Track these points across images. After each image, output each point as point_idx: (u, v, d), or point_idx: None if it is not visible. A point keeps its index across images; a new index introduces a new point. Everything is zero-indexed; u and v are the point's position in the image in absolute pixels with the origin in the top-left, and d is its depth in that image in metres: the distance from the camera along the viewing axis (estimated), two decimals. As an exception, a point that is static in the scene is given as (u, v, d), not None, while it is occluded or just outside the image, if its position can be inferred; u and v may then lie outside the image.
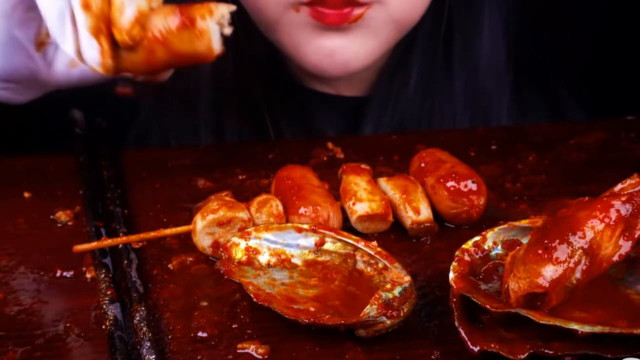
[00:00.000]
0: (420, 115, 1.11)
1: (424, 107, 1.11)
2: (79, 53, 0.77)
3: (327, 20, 0.96)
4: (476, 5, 1.10)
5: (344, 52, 0.99)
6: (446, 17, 1.09)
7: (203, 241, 0.76)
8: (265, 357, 0.66)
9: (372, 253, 0.73)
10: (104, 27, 0.76)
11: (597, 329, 0.62)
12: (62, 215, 0.84)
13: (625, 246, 0.66)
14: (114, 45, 0.77)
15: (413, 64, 1.10)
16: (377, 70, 1.11)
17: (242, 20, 1.05)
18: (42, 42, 0.82)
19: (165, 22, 0.78)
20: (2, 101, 0.87)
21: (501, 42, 1.12)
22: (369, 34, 0.99)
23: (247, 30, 1.05)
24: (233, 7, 0.80)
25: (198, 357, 0.66)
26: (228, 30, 0.80)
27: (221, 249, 0.74)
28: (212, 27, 0.78)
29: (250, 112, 1.10)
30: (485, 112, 1.13)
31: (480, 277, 0.70)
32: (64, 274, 0.76)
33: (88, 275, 0.75)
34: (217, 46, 0.79)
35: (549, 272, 0.64)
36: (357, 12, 0.96)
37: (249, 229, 0.74)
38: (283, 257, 0.74)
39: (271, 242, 0.74)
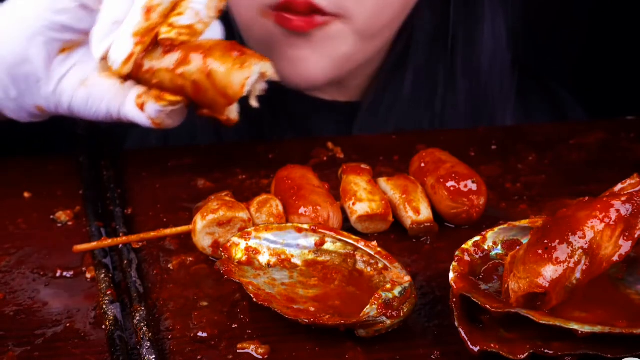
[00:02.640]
0: (420, 120, 1.10)
1: (422, 112, 1.11)
2: (103, 59, 0.78)
3: (291, 25, 0.96)
4: (477, 8, 1.09)
5: (307, 62, 0.99)
6: (448, 21, 1.09)
7: (203, 241, 0.76)
8: (265, 357, 0.66)
9: (372, 253, 0.73)
10: (148, 37, 0.77)
11: (597, 329, 0.62)
12: (62, 215, 0.84)
13: (625, 246, 0.66)
14: (148, 49, 0.78)
15: (408, 69, 1.09)
16: (370, 76, 1.10)
17: (230, 24, 1.05)
18: (67, 48, 0.82)
19: (217, 41, 0.79)
20: None
21: (505, 46, 1.11)
22: (333, 45, 0.99)
23: (236, 36, 1.05)
24: (275, 76, 0.80)
25: (198, 357, 0.66)
26: (260, 88, 0.80)
27: (221, 249, 0.74)
28: (255, 69, 0.78)
29: (246, 118, 1.09)
30: (488, 116, 1.13)
31: (480, 277, 0.70)
32: (64, 274, 0.76)
33: (88, 275, 0.75)
34: (246, 90, 0.78)
35: (549, 272, 0.64)
36: (321, 19, 0.96)
37: (249, 229, 0.74)
38: (283, 257, 0.74)
39: (271, 242, 0.74)
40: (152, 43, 0.78)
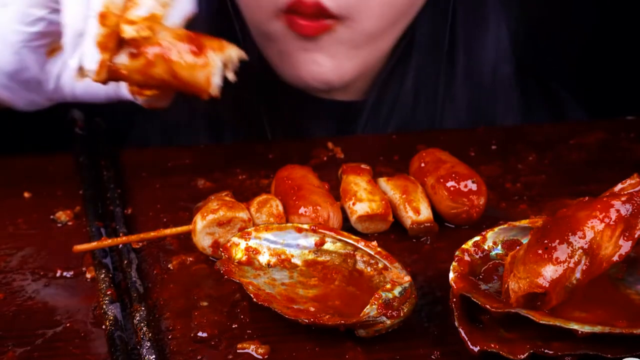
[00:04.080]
0: (421, 120, 1.10)
1: (423, 112, 1.11)
2: (80, 68, 0.78)
3: (302, 32, 0.97)
4: (480, 11, 1.09)
5: (321, 66, 1.00)
6: (450, 23, 1.09)
7: (203, 241, 0.76)
8: (265, 357, 0.66)
9: (372, 253, 0.73)
10: (111, 42, 0.76)
11: (597, 329, 0.62)
12: (62, 215, 0.84)
13: (625, 246, 0.66)
14: (116, 50, 0.77)
15: (409, 69, 1.09)
16: (372, 77, 1.11)
17: (239, 24, 1.05)
18: (55, 49, 0.83)
19: (174, 39, 0.77)
20: (2, 103, 0.87)
21: (507, 47, 1.11)
22: (341, 48, 0.99)
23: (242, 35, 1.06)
24: (244, 55, 0.79)
25: (198, 357, 0.66)
26: (231, 76, 0.79)
27: (221, 249, 0.74)
28: (217, 63, 0.77)
29: (245, 115, 1.10)
30: (489, 120, 1.13)
31: (480, 277, 0.70)
32: (64, 274, 0.76)
33: (88, 275, 0.75)
34: (215, 83, 0.77)
35: (549, 272, 0.64)
36: (328, 22, 0.96)
37: (249, 229, 0.74)
38: (283, 257, 0.74)
39: (271, 242, 0.74)
40: (119, 42, 0.77)
